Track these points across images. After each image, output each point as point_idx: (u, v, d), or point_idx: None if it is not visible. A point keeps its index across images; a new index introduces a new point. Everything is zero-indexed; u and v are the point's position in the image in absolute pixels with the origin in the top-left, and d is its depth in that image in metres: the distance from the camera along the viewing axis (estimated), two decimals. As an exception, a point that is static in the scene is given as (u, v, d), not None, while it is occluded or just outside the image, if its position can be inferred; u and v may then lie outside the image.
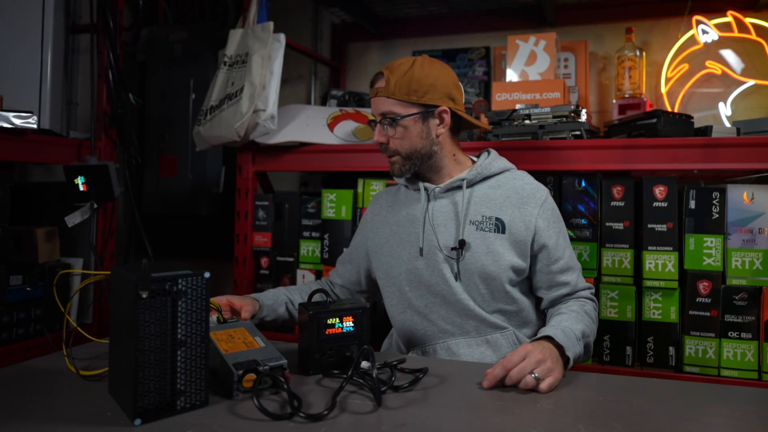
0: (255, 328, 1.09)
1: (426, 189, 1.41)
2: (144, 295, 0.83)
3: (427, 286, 1.37)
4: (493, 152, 1.46)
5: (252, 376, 0.94)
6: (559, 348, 1.12)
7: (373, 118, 1.41)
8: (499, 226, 1.34)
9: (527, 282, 1.41)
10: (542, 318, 1.45)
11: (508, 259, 1.33)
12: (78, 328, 1.14)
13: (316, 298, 1.21)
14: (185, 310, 0.87)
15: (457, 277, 1.34)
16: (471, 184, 1.39)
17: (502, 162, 1.43)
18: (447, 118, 1.37)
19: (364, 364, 1.03)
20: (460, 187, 1.38)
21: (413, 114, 1.34)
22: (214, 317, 1.12)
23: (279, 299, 1.45)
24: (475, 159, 1.46)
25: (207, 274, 0.89)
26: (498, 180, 1.40)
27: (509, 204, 1.36)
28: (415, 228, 1.40)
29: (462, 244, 1.33)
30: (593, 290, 1.42)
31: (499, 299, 1.35)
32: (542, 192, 1.39)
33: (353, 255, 1.56)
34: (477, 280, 1.34)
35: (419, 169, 1.41)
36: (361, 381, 1.01)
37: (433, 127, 1.37)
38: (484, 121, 1.41)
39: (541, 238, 1.35)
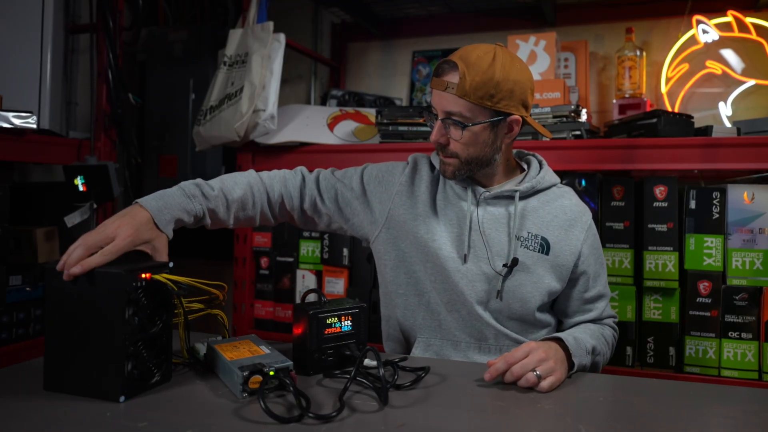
0: (260, 339, 1.09)
1: (474, 192, 1.28)
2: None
3: (453, 288, 1.26)
4: (545, 162, 1.35)
5: (258, 378, 0.93)
6: (566, 352, 1.11)
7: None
8: (544, 247, 1.25)
9: (551, 302, 1.33)
10: None
11: (546, 282, 1.25)
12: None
13: (310, 298, 1.20)
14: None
15: (498, 294, 1.24)
16: (523, 197, 1.29)
17: (552, 175, 1.34)
18: (517, 129, 1.24)
19: (367, 362, 1.03)
20: (510, 197, 1.28)
21: (485, 122, 1.19)
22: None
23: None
24: (522, 164, 1.36)
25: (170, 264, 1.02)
26: (547, 195, 1.31)
27: (556, 224, 1.27)
28: (453, 227, 1.28)
29: (515, 263, 1.23)
30: (617, 319, 1.37)
31: (525, 320, 1.27)
32: (588, 215, 1.32)
33: (351, 194, 1.35)
34: (509, 298, 1.25)
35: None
36: (364, 380, 1.00)
37: (500, 136, 1.23)
38: (546, 132, 1.35)
39: (583, 264, 1.28)
